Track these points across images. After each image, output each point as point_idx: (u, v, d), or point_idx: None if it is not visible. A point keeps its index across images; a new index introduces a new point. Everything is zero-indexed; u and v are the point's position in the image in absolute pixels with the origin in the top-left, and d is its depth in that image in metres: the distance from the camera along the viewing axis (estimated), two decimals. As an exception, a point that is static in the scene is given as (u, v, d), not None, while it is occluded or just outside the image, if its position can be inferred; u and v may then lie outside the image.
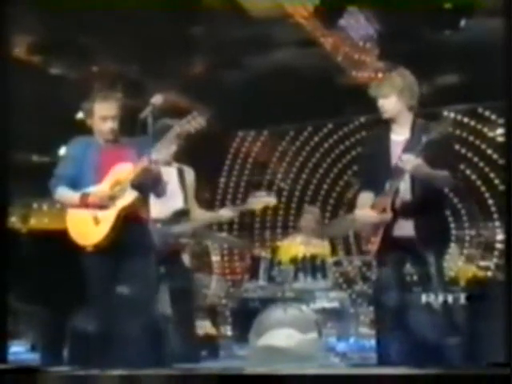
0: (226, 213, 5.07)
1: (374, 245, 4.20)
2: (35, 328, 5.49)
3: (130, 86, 8.55)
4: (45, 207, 9.92)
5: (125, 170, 4.25)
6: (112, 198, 4.22)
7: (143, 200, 4.28)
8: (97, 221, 4.22)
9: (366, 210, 4.21)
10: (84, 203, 4.23)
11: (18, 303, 4.67)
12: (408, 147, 4.11)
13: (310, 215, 6.72)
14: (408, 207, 4.13)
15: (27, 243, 4.87)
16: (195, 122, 4.20)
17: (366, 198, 4.28)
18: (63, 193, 4.32)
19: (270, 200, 5.07)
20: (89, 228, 4.23)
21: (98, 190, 4.25)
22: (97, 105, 4.32)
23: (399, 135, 4.22)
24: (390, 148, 4.21)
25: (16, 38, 7.61)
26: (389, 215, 4.10)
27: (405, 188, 4.12)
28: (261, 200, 5.04)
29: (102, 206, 4.21)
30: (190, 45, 7.86)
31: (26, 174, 7.16)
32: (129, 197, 4.22)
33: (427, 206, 4.12)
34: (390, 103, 4.20)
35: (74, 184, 4.30)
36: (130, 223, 4.21)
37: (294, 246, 6.25)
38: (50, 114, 8.13)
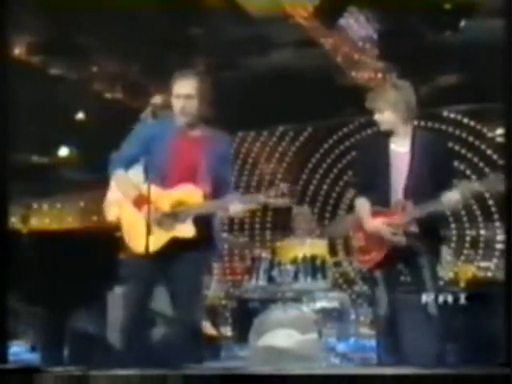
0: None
1: (373, 256, 4.20)
2: (35, 328, 5.49)
3: (129, 86, 8.56)
4: (45, 207, 9.92)
5: (193, 195, 3.98)
6: (171, 215, 3.96)
7: (203, 233, 3.99)
8: (149, 230, 3.86)
9: (379, 223, 4.18)
10: (138, 204, 3.99)
11: (18, 303, 4.66)
12: (413, 163, 4.13)
13: (300, 216, 6.71)
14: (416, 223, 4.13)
15: (27, 243, 4.86)
16: (282, 201, 3.91)
17: (364, 205, 4.28)
18: (122, 177, 4.10)
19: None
20: (141, 232, 3.88)
21: (156, 198, 3.95)
22: (174, 83, 4.06)
23: (399, 146, 4.23)
24: (390, 158, 4.22)
25: (16, 38, 7.62)
26: (403, 239, 4.11)
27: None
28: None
29: (157, 223, 3.95)
30: (190, 45, 7.86)
31: (26, 174, 7.17)
32: (186, 231, 3.95)
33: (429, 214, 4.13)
34: (385, 117, 4.22)
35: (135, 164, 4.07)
36: (182, 251, 3.96)
37: (294, 247, 6.26)
38: (50, 114, 8.13)
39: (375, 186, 4.21)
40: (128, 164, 4.12)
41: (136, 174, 4.17)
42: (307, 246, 6.20)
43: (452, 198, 3.96)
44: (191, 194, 3.99)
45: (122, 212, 4.15)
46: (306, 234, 6.48)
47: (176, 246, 3.96)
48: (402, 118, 4.21)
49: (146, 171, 4.00)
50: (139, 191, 4.01)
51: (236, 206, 3.92)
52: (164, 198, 4.00)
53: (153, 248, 3.89)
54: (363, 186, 4.33)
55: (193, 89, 4.04)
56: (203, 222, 3.99)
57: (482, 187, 4.06)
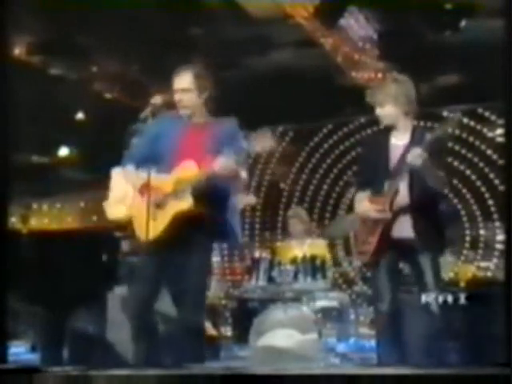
0: None
1: (370, 245, 4.21)
2: (35, 328, 5.49)
3: (129, 85, 8.56)
4: (45, 207, 9.93)
5: (190, 169, 3.99)
6: (172, 195, 4.00)
7: (202, 206, 3.99)
8: (154, 216, 3.97)
9: (366, 204, 4.22)
10: (143, 193, 4.03)
11: (18, 303, 4.66)
12: (407, 151, 4.13)
13: (295, 219, 6.72)
14: (407, 208, 4.14)
15: (27, 243, 4.86)
16: (267, 143, 3.93)
17: (363, 196, 4.31)
18: (129, 171, 4.16)
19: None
20: (146, 220, 3.94)
21: (160, 183, 4.01)
22: (173, 79, 4.17)
23: (399, 140, 4.25)
24: (390, 151, 4.23)
25: (16, 38, 7.62)
26: (388, 214, 4.12)
27: (403, 189, 4.14)
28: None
29: (158, 205, 4.01)
30: (190, 45, 7.86)
31: (26, 173, 7.17)
32: (184, 203, 3.96)
33: (426, 207, 4.14)
34: (386, 111, 4.23)
35: (149, 162, 4.07)
36: (186, 227, 3.97)
37: (294, 247, 6.27)
38: (50, 114, 8.14)
39: (376, 182, 4.21)
40: (138, 163, 4.15)
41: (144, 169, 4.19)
42: (307, 246, 6.21)
43: (414, 153, 3.99)
44: (190, 170, 4.00)
45: (132, 204, 4.21)
46: (305, 235, 6.49)
47: (179, 228, 3.97)
48: (402, 112, 4.23)
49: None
50: (144, 180, 4.05)
51: (220, 160, 3.89)
52: (167, 181, 4.04)
53: (155, 232, 3.94)
54: (364, 183, 4.34)
55: (189, 83, 4.12)
56: (205, 200, 3.98)
57: (435, 134, 4.04)
